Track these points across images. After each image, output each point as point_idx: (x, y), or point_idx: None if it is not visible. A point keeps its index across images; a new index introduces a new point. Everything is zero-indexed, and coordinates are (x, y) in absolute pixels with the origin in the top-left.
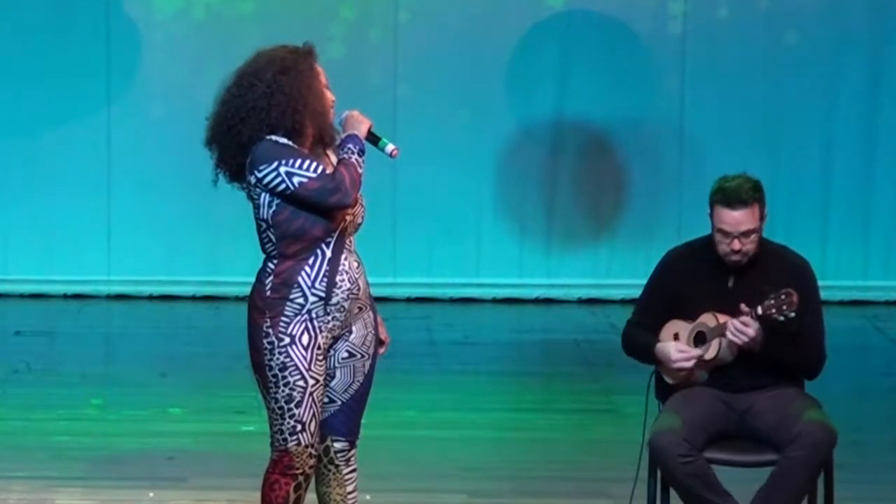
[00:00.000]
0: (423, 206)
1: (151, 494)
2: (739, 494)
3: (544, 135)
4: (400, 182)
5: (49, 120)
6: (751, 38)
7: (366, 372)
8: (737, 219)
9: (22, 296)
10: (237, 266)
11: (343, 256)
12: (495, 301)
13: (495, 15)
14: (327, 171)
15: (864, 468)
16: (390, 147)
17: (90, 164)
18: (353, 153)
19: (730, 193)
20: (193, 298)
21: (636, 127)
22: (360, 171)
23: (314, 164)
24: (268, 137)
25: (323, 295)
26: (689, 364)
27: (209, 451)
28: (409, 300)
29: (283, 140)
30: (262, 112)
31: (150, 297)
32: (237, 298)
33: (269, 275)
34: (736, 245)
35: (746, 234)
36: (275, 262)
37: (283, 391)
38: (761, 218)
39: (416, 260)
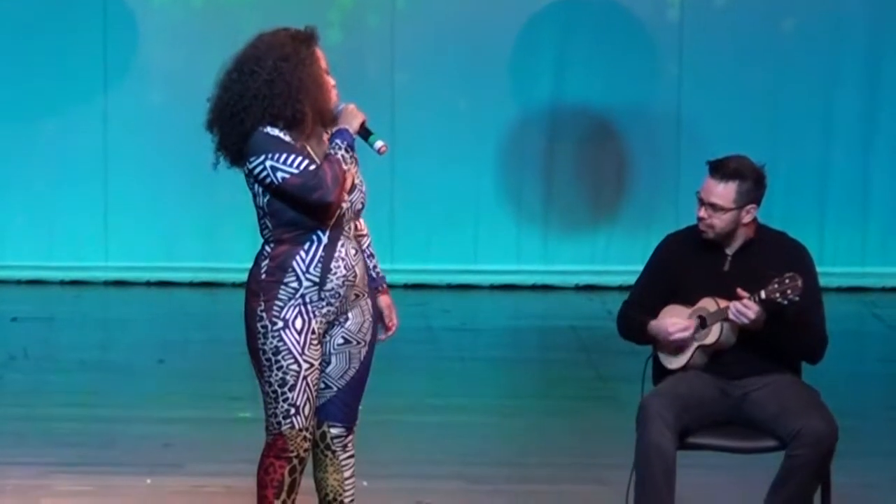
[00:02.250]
0: (421, 192)
1: (148, 480)
2: (736, 481)
3: (542, 122)
4: (398, 169)
5: (46, 107)
6: (748, 25)
7: (362, 359)
8: (709, 186)
9: (19, 282)
10: (235, 252)
11: (340, 243)
12: (493, 288)
13: (493, 1)
14: (311, 168)
15: (861, 454)
16: (379, 143)
17: (87, 150)
18: (339, 148)
19: (716, 162)
20: (191, 285)
21: (634, 114)
22: (344, 166)
23: (298, 160)
24: (262, 129)
25: (317, 280)
26: (687, 334)
27: (206, 438)
28: (406, 287)
29: (276, 132)
30: (264, 100)
31: (148, 284)
32: (235, 285)
33: (266, 258)
34: (702, 212)
35: (713, 206)
36: (271, 245)
37: (276, 375)
38: (738, 204)
39: (414, 246)
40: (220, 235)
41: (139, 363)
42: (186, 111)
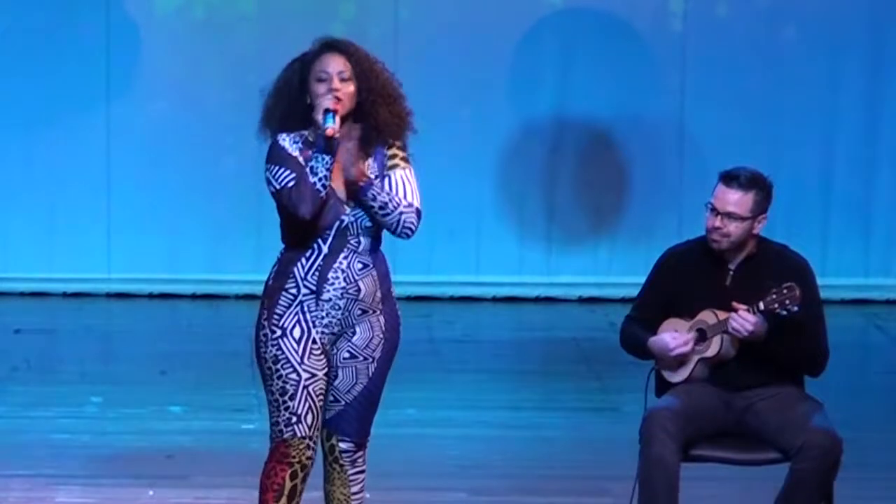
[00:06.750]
0: (424, 204)
1: (151, 492)
2: (740, 493)
3: (545, 133)
4: None
5: (49, 118)
6: (751, 36)
7: (370, 375)
8: (726, 196)
9: (22, 294)
10: (237, 264)
11: (342, 255)
12: (495, 299)
13: (496, 13)
14: (290, 185)
15: (864, 466)
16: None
17: (90, 162)
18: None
19: (731, 172)
20: (193, 297)
21: (637, 125)
22: (311, 179)
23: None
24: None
25: (314, 288)
26: (688, 347)
27: (209, 449)
28: (409, 298)
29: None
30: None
31: (150, 296)
32: (237, 297)
33: (276, 263)
34: (717, 222)
35: (730, 216)
36: (282, 251)
37: (277, 384)
38: (753, 214)
39: (417, 258)
40: (222, 247)
41: (141, 375)
42: (189, 122)
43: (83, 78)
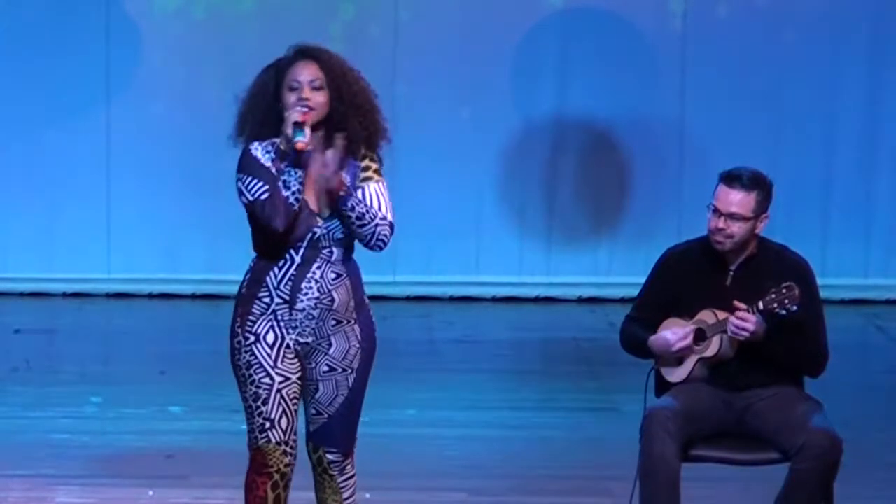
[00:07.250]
0: (423, 204)
1: (151, 493)
2: (740, 494)
3: (544, 133)
4: (399, 180)
5: (49, 118)
6: (751, 36)
7: (350, 385)
8: (729, 197)
9: (22, 294)
10: (236, 264)
11: (316, 265)
12: (495, 299)
13: (496, 13)
14: (263, 197)
15: (864, 466)
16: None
17: (90, 162)
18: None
19: (732, 172)
20: (193, 297)
21: (637, 126)
22: (283, 193)
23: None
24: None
25: (287, 298)
26: (688, 341)
27: (208, 450)
28: (408, 298)
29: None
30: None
31: (150, 296)
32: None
33: (248, 271)
34: (720, 223)
35: (733, 217)
36: (254, 260)
37: (250, 389)
38: (756, 214)
39: (416, 258)
40: (222, 247)
41: (141, 375)
42: (189, 123)
43: (83, 78)
